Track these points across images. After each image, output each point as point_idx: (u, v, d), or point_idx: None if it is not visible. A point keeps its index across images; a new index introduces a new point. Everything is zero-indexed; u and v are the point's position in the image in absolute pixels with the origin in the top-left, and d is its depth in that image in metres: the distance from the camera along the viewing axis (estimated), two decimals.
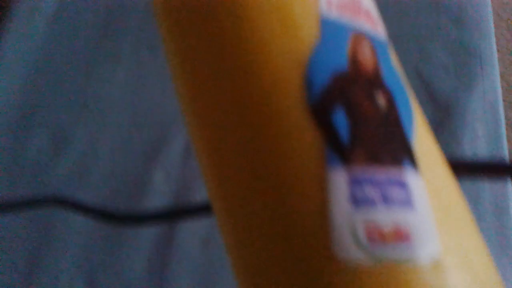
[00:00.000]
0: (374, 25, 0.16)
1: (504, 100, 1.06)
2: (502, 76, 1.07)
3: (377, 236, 0.12)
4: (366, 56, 0.15)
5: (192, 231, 0.30)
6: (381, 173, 0.13)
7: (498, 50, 1.09)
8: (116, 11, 0.38)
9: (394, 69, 0.16)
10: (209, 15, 0.16)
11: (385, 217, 0.12)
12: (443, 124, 0.32)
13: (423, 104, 0.33)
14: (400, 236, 0.12)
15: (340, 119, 0.14)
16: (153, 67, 0.36)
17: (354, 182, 0.13)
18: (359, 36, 0.15)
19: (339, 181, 0.13)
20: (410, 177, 0.13)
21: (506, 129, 1.04)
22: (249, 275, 0.14)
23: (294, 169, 0.13)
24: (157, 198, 0.31)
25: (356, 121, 0.14)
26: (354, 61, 0.15)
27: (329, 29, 0.15)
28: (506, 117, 1.04)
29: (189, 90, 0.17)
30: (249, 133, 0.14)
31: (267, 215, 0.14)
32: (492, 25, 0.35)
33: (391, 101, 0.14)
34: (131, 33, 0.37)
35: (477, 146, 0.31)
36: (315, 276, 0.12)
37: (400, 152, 0.14)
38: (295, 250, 0.13)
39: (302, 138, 0.14)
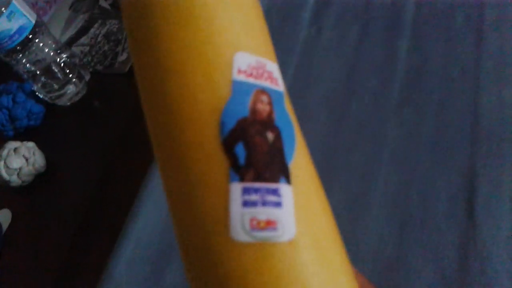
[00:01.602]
0: (274, 82, 0.23)
1: None
2: None
3: (256, 225, 0.20)
4: (262, 105, 0.22)
5: None
6: (262, 186, 0.20)
7: None
8: None
9: (285, 112, 0.23)
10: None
11: (262, 213, 0.20)
12: None
13: None
14: (270, 224, 0.20)
15: (240, 150, 0.21)
16: None
17: (245, 192, 0.20)
18: (259, 92, 0.22)
19: (236, 191, 0.20)
20: (283, 188, 0.21)
21: None
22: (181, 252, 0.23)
23: (208, 182, 0.21)
24: None
25: (250, 151, 0.21)
26: (253, 109, 0.21)
27: (238, 88, 0.21)
28: None
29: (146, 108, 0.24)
30: (179, 155, 0.22)
31: (188, 214, 0.22)
32: None
33: (277, 136, 0.21)
34: None
35: None
36: (218, 251, 0.20)
37: (278, 171, 0.21)
38: (205, 236, 0.21)
39: (215, 161, 0.21)
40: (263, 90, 0.22)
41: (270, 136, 0.21)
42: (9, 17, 0.63)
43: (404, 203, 0.40)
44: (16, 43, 0.65)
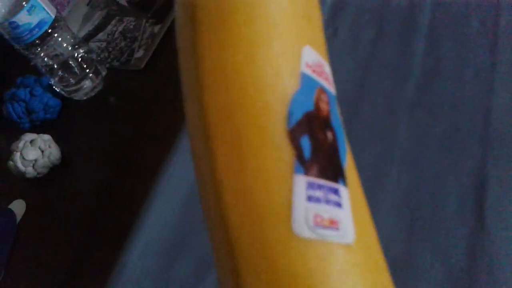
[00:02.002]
0: (330, 85, 0.23)
1: None
2: None
3: (320, 223, 0.19)
4: (323, 104, 0.21)
5: None
6: (326, 183, 0.20)
7: None
8: None
9: (338, 116, 0.23)
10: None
11: (325, 211, 0.19)
12: None
13: None
14: (333, 224, 0.19)
15: (305, 143, 0.20)
16: None
17: (309, 186, 0.19)
18: (321, 90, 0.22)
19: (301, 184, 0.19)
20: (342, 189, 0.20)
21: None
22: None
23: (271, 170, 0.20)
24: None
25: (315, 145, 0.20)
26: (317, 106, 0.21)
27: (305, 81, 0.21)
28: None
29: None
30: (240, 138, 0.21)
31: (243, 203, 0.21)
32: None
33: (335, 137, 0.21)
34: None
35: None
36: (279, 244, 0.19)
37: (337, 171, 0.21)
38: (265, 227, 0.20)
39: (279, 150, 0.20)
40: (323, 89, 0.22)
41: (330, 135, 0.21)
42: (29, 11, 0.64)
43: (414, 202, 0.41)
44: (35, 37, 0.66)
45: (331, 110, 0.22)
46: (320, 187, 0.20)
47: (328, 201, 0.19)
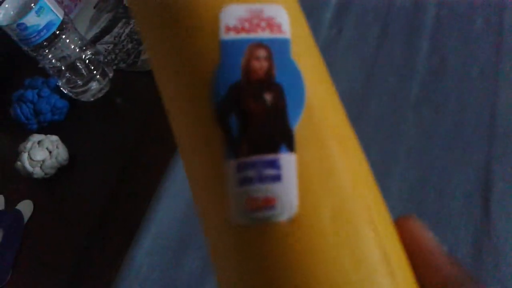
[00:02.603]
0: (276, 29, 0.20)
1: None
2: None
3: (253, 205, 0.18)
4: (258, 62, 0.19)
5: None
6: (259, 159, 0.18)
7: None
8: None
9: (291, 63, 0.20)
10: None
11: (259, 191, 0.18)
12: None
13: None
14: (268, 202, 0.18)
15: (233, 122, 0.18)
16: None
17: (240, 169, 0.18)
18: (254, 46, 0.19)
19: (231, 169, 0.18)
20: (283, 158, 0.18)
21: None
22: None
23: (206, 161, 0.19)
24: None
25: (243, 120, 0.18)
26: (247, 70, 0.19)
27: (227, 49, 0.19)
28: None
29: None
30: (180, 132, 0.20)
31: (197, 198, 0.20)
32: None
33: (278, 95, 0.19)
34: None
35: None
36: (221, 237, 0.19)
37: (277, 139, 0.18)
38: (211, 221, 0.19)
39: (210, 138, 0.19)
40: (259, 44, 0.19)
41: (268, 97, 0.19)
42: (38, 13, 0.65)
43: (420, 198, 0.41)
44: (43, 38, 0.67)
45: (277, 61, 0.19)
46: (252, 165, 0.18)
47: (262, 179, 0.18)
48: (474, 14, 0.50)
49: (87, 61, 0.74)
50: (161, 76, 0.21)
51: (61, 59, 0.72)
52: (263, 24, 0.20)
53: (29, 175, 0.67)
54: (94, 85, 0.75)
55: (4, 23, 0.65)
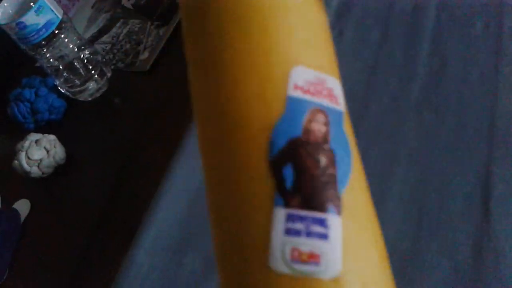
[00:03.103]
0: (334, 100, 0.21)
1: None
2: None
3: (297, 257, 0.18)
4: (318, 125, 0.20)
5: None
6: (309, 214, 0.19)
7: None
8: None
9: (343, 134, 0.21)
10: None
11: (305, 244, 0.18)
12: None
13: None
14: (313, 258, 0.18)
15: (288, 173, 0.19)
16: None
17: (289, 219, 0.19)
18: (316, 110, 0.20)
19: (279, 216, 0.19)
20: (331, 218, 0.19)
21: None
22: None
23: (252, 203, 0.20)
24: None
25: (298, 174, 0.19)
26: (307, 129, 0.20)
27: (293, 105, 0.20)
28: None
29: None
30: (224, 175, 0.21)
31: (229, 235, 0.21)
32: None
33: (331, 160, 0.20)
34: None
35: None
36: (255, 279, 0.19)
37: (327, 199, 0.19)
38: (243, 261, 0.20)
39: (260, 182, 0.20)
40: (320, 109, 0.20)
41: (323, 159, 0.20)
42: (37, 12, 0.65)
43: (420, 200, 0.41)
44: (42, 37, 0.67)
45: (332, 129, 0.21)
46: (301, 218, 0.19)
47: (309, 233, 0.18)
48: (474, 18, 0.50)
49: (85, 60, 0.73)
50: (215, 119, 0.22)
51: (59, 58, 0.72)
52: (324, 92, 0.21)
53: (27, 174, 0.67)
54: (92, 84, 0.75)
55: (3, 22, 0.65)
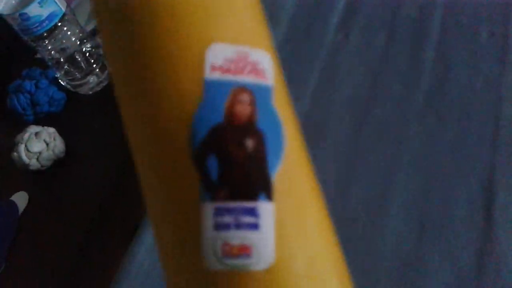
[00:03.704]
0: (260, 74, 0.19)
1: None
2: None
3: (228, 252, 0.18)
4: (242, 106, 0.19)
5: None
6: (237, 205, 0.18)
7: None
8: None
9: (272, 111, 0.20)
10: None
11: (235, 237, 0.18)
12: None
13: None
14: (244, 250, 0.18)
15: (212, 164, 0.18)
16: None
17: (217, 213, 0.18)
18: (239, 90, 0.19)
19: (207, 212, 0.18)
20: (262, 206, 0.18)
21: None
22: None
23: (179, 202, 0.19)
24: None
25: (223, 164, 0.18)
26: (230, 113, 0.18)
27: (211, 89, 0.18)
28: None
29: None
30: (152, 175, 0.20)
31: (164, 235, 0.20)
32: None
33: (259, 143, 0.19)
34: None
35: None
36: (191, 280, 0.19)
37: (256, 186, 0.18)
38: (179, 262, 0.19)
39: (185, 178, 0.18)
40: (243, 88, 0.19)
41: (249, 143, 0.18)
42: (41, 3, 0.64)
43: (423, 205, 0.42)
44: (45, 29, 0.66)
45: (260, 108, 0.19)
46: (229, 211, 0.18)
47: (239, 225, 0.18)
48: (480, 25, 0.51)
49: (86, 54, 0.73)
50: (134, 115, 0.20)
51: (60, 50, 0.71)
52: (248, 68, 0.19)
53: (25, 166, 0.67)
54: (92, 78, 0.74)
55: (6, 12, 0.64)
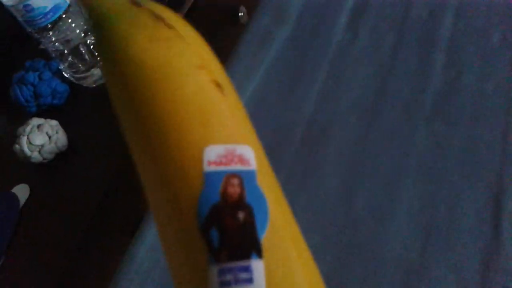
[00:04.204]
0: (246, 163, 0.25)
1: None
2: None
3: None
4: (233, 188, 0.24)
5: None
6: (235, 265, 0.22)
7: None
8: None
9: (258, 189, 0.25)
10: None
11: None
12: None
13: None
14: None
15: (214, 234, 0.23)
16: None
17: (220, 273, 0.22)
18: (230, 176, 0.24)
19: (213, 273, 0.22)
20: (254, 263, 0.22)
21: None
22: None
23: (192, 268, 0.23)
24: None
25: (221, 233, 0.23)
26: (224, 194, 0.23)
27: (209, 178, 0.24)
28: None
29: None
30: (170, 247, 0.25)
31: None
32: None
33: (249, 214, 0.23)
34: None
35: None
36: None
37: (249, 249, 0.23)
38: None
39: (196, 248, 0.23)
40: (233, 174, 0.24)
41: (241, 215, 0.23)
42: None
43: (429, 213, 0.41)
44: (49, 21, 0.66)
45: (247, 187, 0.24)
46: (230, 270, 0.22)
47: (237, 281, 0.22)
48: (491, 29, 0.50)
49: (91, 46, 0.72)
50: (152, 196, 0.26)
51: (64, 42, 0.70)
52: (236, 159, 0.25)
53: (27, 159, 0.66)
54: (96, 71, 0.74)
55: (10, 3, 0.63)
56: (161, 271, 0.45)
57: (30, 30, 0.67)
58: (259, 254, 0.23)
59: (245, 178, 0.24)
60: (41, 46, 0.77)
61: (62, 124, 0.69)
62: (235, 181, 0.24)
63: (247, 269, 0.22)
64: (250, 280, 0.22)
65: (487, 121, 0.44)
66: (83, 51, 0.72)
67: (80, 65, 0.73)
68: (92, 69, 0.73)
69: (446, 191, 0.42)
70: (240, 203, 0.24)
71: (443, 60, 0.49)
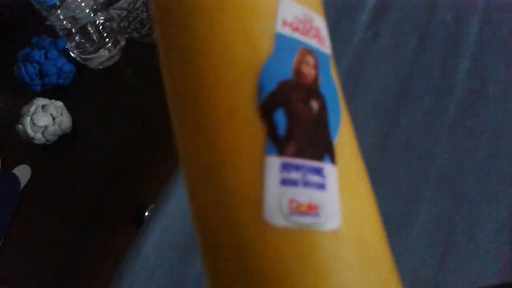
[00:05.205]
0: (321, 41, 0.20)
1: None
2: None
3: (296, 209, 0.17)
4: (308, 68, 0.19)
5: None
6: (305, 163, 0.17)
7: None
8: None
9: (332, 80, 0.20)
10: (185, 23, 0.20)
11: (303, 195, 0.17)
12: None
13: None
14: (312, 209, 0.17)
15: (280, 118, 0.18)
16: None
17: (284, 168, 0.17)
18: (305, 50, 0.19)
19: (273, 166, 0.17)
20: (328, 168, 0.18)
21: None
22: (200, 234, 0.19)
23: (241, 154, 0.18)
24: None
25: (292, 120, 0.18)
26: (298, 71, 0.18)
27: (282, 43, 0.18)
28: None
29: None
30: (207, 120, 0.19)
31: (215, 192, 0.18)
32: None
33: (323, 107, 0.18)
34: None
35: None
36: (250, 236, 0.17)
37: (322, 148, 0.18)
38: (235, 218, 0.18)
39: (249, 130, 0.18)
40: (309, 50, 0.19)
41: (315, 105, 0.18)
42: None
43: (447, 228, 0.40)
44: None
45: (321, 74, 0.19)
46: (297, 168, 0.17)
47: (307, 183, 0.17)
48: None
49: (100, 27, 0.70)
50: (195, 56, 0.19)
51: (72, 20, 0.68)
52: (313, 32, 0.19)
53: (30, 140, 0.65)
54: (104, 52, 0.72)
55: None
56: (167, 269, 0.45)
57: (38, 7, 0.65)
58: (333, 159, 0.18)
59: (320, 61, 0.19)
60: (48, 23, 0.75)
61: (66, 104, 0.68)
62: (311, 60, 0.19)
63: (320, 171, 0.17)
64: (323, 186, 0.17)
65: (510, 136, 0.43)
66: (91, 31, 0.70)
67: (87, 45, 0.71)
68: (100, 50, 0.71)
69: (465, 207, 0.40)
70: (314, 89, 0.19)
71: (468, 67, 0.48)
